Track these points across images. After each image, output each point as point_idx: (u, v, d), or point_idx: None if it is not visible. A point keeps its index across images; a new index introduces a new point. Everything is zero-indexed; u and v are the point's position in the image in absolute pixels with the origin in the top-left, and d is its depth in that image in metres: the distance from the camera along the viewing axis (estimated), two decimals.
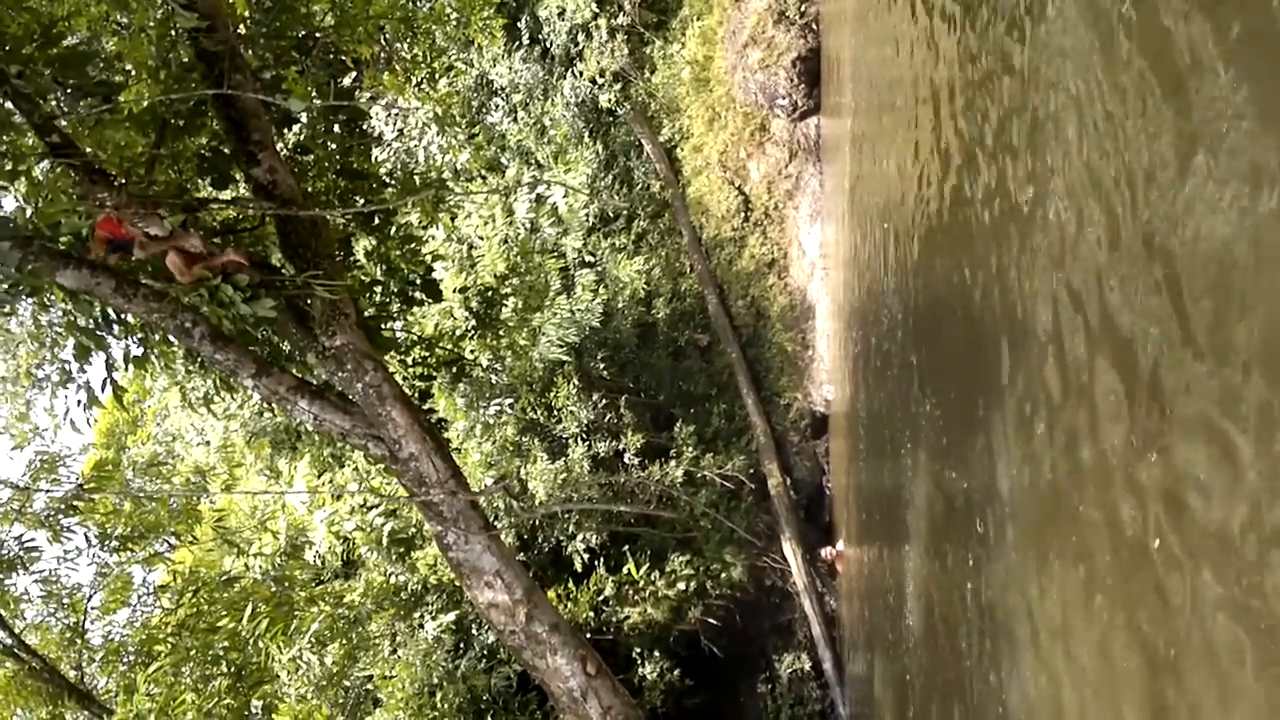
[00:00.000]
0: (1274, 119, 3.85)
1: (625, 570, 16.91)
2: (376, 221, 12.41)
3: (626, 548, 17.45)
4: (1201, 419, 4.37)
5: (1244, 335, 4.04)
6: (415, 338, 14.91)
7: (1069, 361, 5.80)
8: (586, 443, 17.93)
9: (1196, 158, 4.43)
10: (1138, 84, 5.00)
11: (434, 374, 15.10)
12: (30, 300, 10.53)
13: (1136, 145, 4.99)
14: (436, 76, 17.45)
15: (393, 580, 17.38)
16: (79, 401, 10.98)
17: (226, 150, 10.70)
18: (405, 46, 16.39)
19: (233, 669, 15.63)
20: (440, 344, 15.47)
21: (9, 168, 9.01)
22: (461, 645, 15.84)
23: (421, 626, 15.92)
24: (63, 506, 15.98)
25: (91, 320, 10.18)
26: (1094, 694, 5.52)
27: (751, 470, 18.83)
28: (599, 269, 21.33)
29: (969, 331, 8.07)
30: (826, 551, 18.40)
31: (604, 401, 18.75)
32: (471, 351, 16.67)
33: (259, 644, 15.71)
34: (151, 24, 9.80)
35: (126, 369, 11.19)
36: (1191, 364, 4.42)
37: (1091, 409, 5.43)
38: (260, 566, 17.73)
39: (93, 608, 17.40)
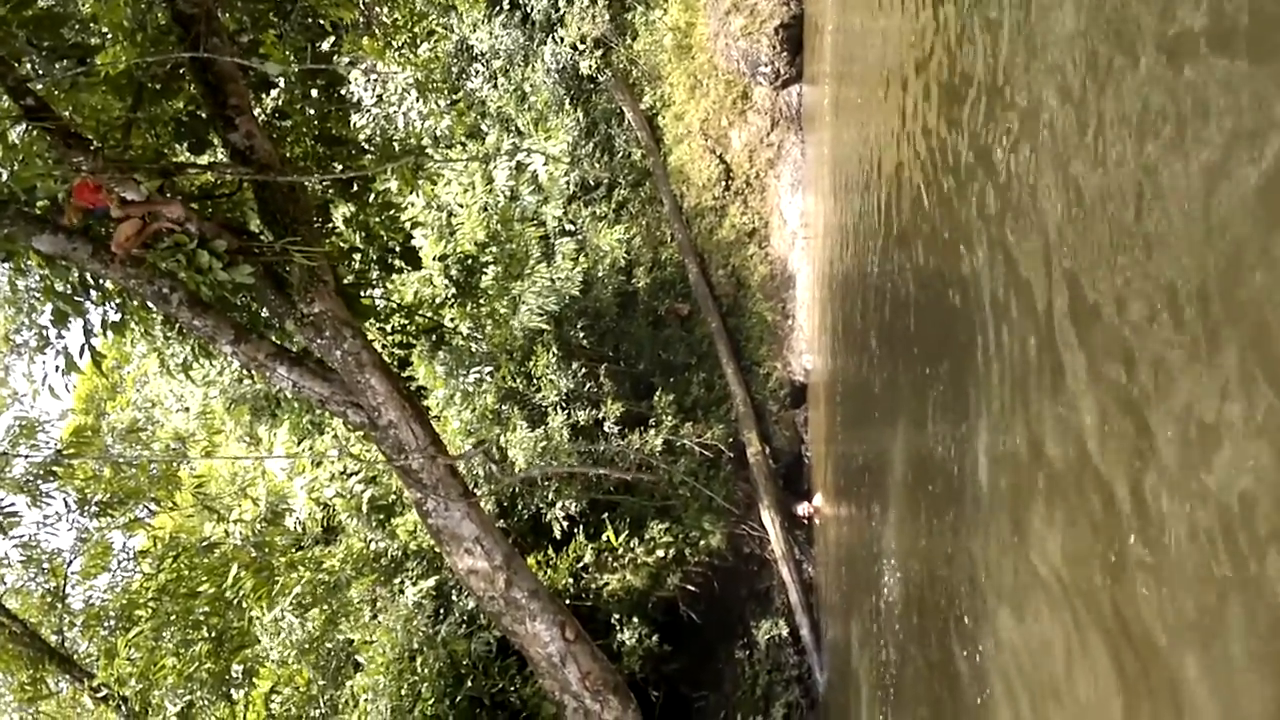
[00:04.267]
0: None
1: (604, 537, 17.00)
2: (355, 188, 12.37)
3: (606, 515, 17.54)
4: (1176, 383, 4.44)
5: (1221, 307, 4.11)
6: (394, 305, 14.89)
7: (1048, 328, 5.86)
8: (566, 411, 17.97)
9: (1174, 122, 4.48)
10: (1121, 50, 5.05)
11: (413, 342, 15.10)
12: (7, 265, 10.47)
13: (1119, 111, 5.03)
14: (417, 41, 17.32)
15: (373, 546, 17.44)
16: (57, 367, 10.94)
17: (203, 115, 10.63)
18: (385, 11, 16.26)
19: (214, 634, 15.70)
20: (420, 312, 15.47)
21: None
22: (441, 611, 15.92)
23: (402, 592, 15.99)
24: (42, 472, 15.95)
25: (69, 285, 10.14)
26: (1073, 659, 5.63)
27: (731, 439, 18.91)
28: (579, 237, 21.28)
29: (948, 299, 8.14)
30: (803, 507, 18.56)
31: (584, 370, 18.78)
32: (451, 319, 16.66)
33: (240, 608, 15.77)
34: None
35: (105, 334, 11.16)
36: (1169, 331, 4.49)
37: (1070, 373, 5.51)
38: (240, 532, 17.75)
39: (73, 573, 17.42)
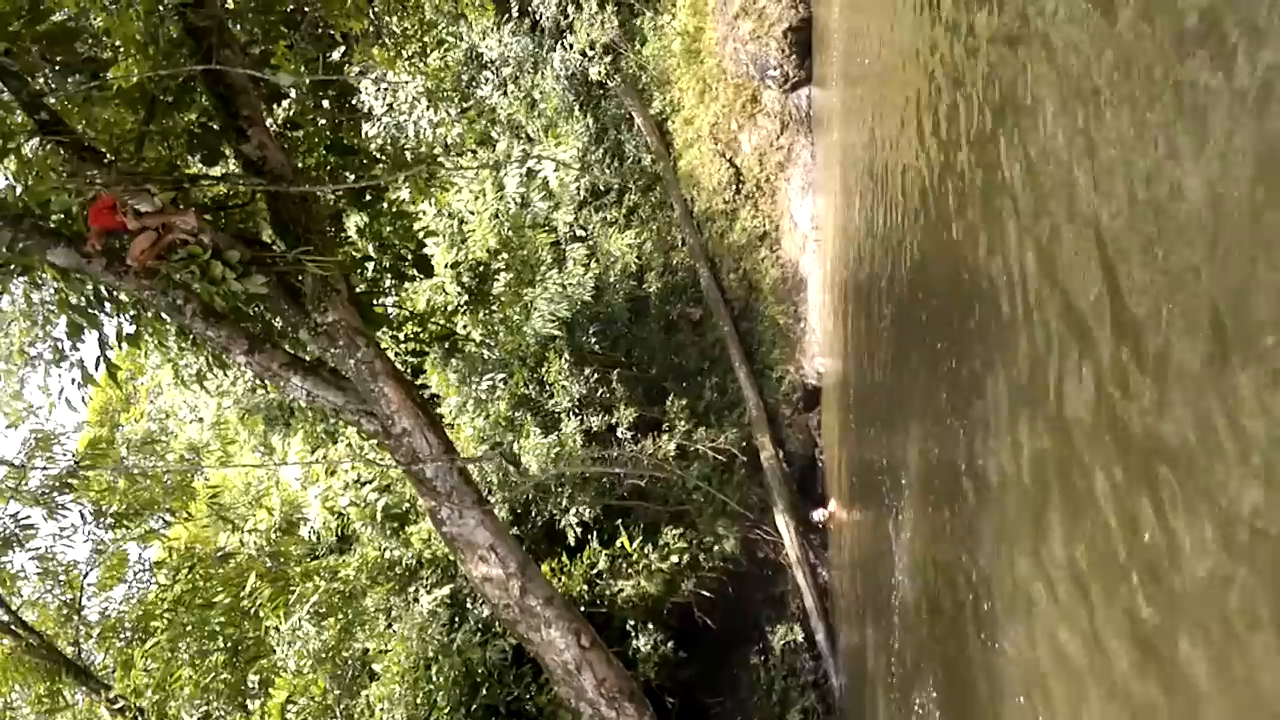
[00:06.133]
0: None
1: (618, 543, 16.99)
2: (368, 197, 12.40)
3: (619, 521, 17.52)
4: (1199, 388, 4.41)
5: (1234, 305, 4.07)
6: (407, 313, 14.91)
7: (1063, 330, 5.84)
8: (579, 417, 17.97)
9: (1178, 127, 4.46)
10: (1128, 56, 5.02)
11: (426, 349, 15.11)
12: (22, 278, 10.52)
13: (1125, 112, 5.01)
14: (427, 50, 17.36)
15: (387, 555, 17.45)
16: (73, 380, 10.98)
17: (216, 126, 10.67)
18: (394, 20, 16.30)
19: (229, 644, 15.72)
20: (432, 319, 15.48)
21: None
22: (456, 619, 15.91)
23: (416, 601, 15.99)
24: (58, 484, 16.00)
25: (83, 298, 10.18)
26: (1092, 663, 5.59)
27: (744, 443, 18.88)
28: (590, 243, 21.29)
29: (962, 301, 8.11)
30: (818, 513, 18.51)
31: (596, 376, 18.78)
32: (464, 327, 16.68)
33: (256, 618, 15.80)
34: None
35: (119, 346, 11.19)
36: (1187, 332, 4.45)
37: (1092, 375, 5.47)
38: (255, 542, 17.79)
39: (89, 584, 17.45)
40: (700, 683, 17.42)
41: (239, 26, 11.29)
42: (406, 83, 19.61)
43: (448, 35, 22.61)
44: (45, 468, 16.11)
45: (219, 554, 17.32)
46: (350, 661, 15.78)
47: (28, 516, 15.68)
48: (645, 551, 16.94)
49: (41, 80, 9.31)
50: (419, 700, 14.80)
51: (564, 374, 18.38)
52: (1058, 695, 6.06)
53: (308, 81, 11.68)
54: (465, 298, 16.33)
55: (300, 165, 11.95)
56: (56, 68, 9.25)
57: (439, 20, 20.10)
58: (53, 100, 9.35)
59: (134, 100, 9.97)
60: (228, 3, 11.27)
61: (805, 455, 19.59)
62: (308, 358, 11.03)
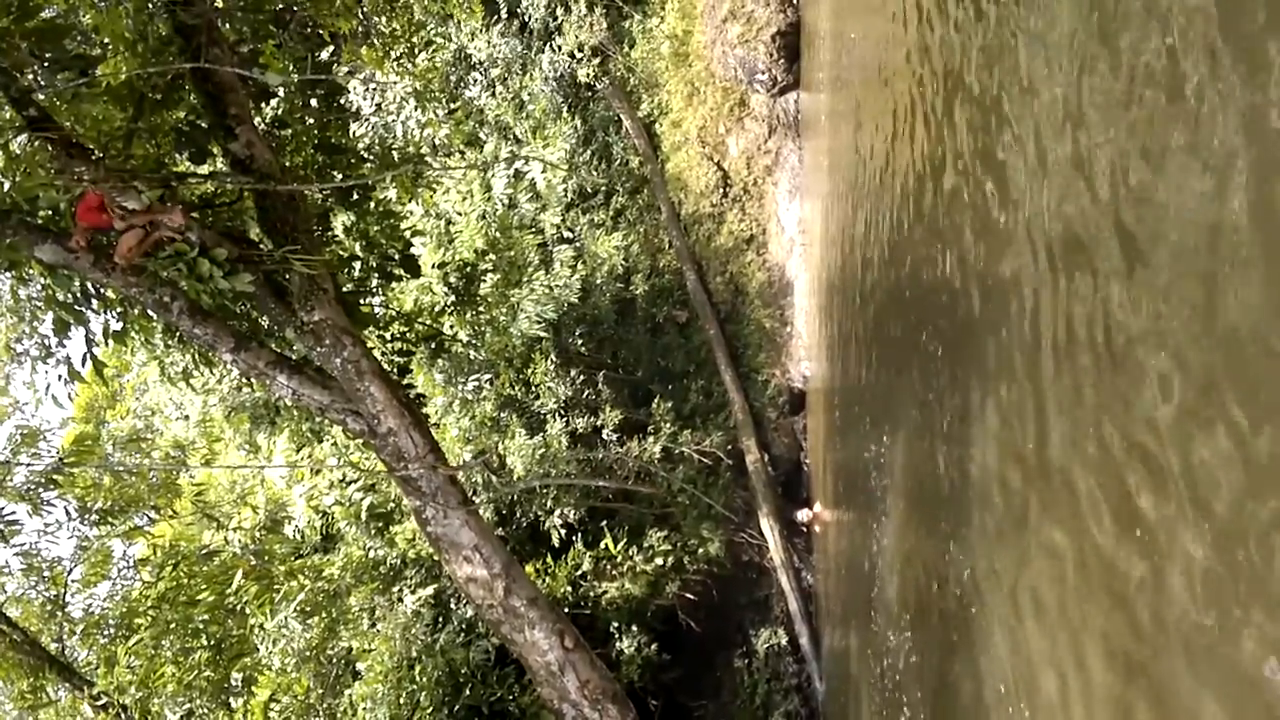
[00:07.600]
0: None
1: (603, 545, 17.01)
2: (355, 196, 12.41)
3: (604, 523, 17.54)
4: (1171, 393, 4.47)
5: (1222, 309, 4.12)
6: (394, 313, 14.92)
7: (1046, 336, 5.89)
8: (565, 418, 17.99)
9: (1169, 135, 4.51)
10: (1112, 62, 5.08)
11: (413, 349, 15.12)
12: (9, 274, 10.51)
13: (1118, 118, 5.06)
14: (415, 51, 17.37)
15: (372, 554, 17.43)
16: (60, 376, 10.97)
17: (204, 124, 10.68)
18: (383, 20, 16.31)
19: (213, 642, 15.70)
20: (419, 319, 15.49)
21: None
22: (440, 619, 15.91)
23: (400, 600, 15.99)
24: (43, 480, 15.97)
25: (70, 295, 10.17)
26: (1072, 670, 5.64)
27: (729, 446, 18.93)
28: (577, 245, 21.31)
29: (948, 306, 8.17)
30: (803, 513, 18.56)
31: (582, 378, 18.80)
32: (450, 327, 16.69)
33: (240, 616, 15.78)
34: None
35: (106, 343, 11.19)
36: (1170, 338, 4.50)
37: (1069, 382, 5.53)
38: (240, 540, 17.76)
39: (73, 581, 17.41)
40: (683, 685, 17.45)
41: (228, 25, 11.30)
42: (395, 83, 19.62)
43: (436, 36, 22.62)
44: (30, 464, 16.08)
45: (203, 551, 17.29)
46: (334, 660, 15.77)
47: (12, 512, 15.66)
48: (630, 553, 16.97)
49: (30, 76, 9.30)
50: (402, 700, 14.80)
51: (550, 375, 18.40)
52: (1042, 696, 6.11)
53: (296, 80, 11.70)
54: (452, 298, 16.35)
55: (288, 164, 11.96)
56: (45, 64, 9.23)
57: (428, 21, 20.12)
58: (41, 96, 9.34)
59: (122, 97, 9.97)
60: (217, 1, 11.27)
61: (790, 459, 19.65)
62: (294, 356, 11.04)
